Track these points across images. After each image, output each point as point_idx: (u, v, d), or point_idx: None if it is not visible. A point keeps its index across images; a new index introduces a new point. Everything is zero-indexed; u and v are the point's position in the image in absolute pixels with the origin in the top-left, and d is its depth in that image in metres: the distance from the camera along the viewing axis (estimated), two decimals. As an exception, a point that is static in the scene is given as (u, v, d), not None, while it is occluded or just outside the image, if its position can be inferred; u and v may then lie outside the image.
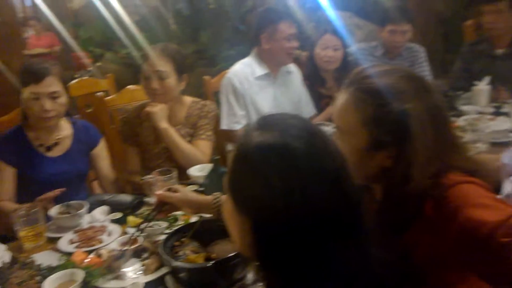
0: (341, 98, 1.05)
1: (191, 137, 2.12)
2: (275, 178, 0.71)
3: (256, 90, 2.44)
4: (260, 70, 2.46)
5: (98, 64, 6.37)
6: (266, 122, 0.79)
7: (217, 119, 2.32)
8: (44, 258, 1.45)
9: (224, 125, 2.40)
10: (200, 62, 5.81)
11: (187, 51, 5.58)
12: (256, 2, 5.43)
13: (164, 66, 2.02)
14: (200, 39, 6.35)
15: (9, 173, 1.90)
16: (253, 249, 0.76)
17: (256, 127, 0.78)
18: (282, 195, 0.71)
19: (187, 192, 1.45)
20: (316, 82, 2.74)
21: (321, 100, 2.71)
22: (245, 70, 2.45)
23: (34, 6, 9.32)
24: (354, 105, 1.00)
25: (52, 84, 1.85)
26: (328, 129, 2.23)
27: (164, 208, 1.44)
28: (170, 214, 1.52)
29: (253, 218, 0.75)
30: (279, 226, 0.72)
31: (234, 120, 2.39)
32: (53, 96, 1.86)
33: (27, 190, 1.84)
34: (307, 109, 2.64)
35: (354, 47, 2.91)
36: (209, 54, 6.01)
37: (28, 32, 7.37)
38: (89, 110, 2.87)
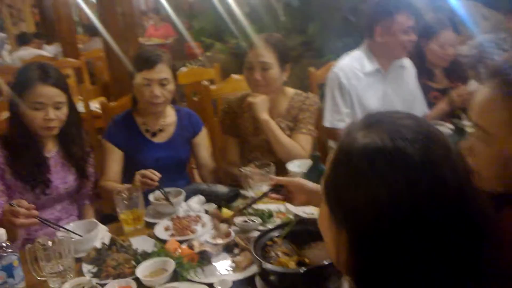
0: (482, 93, 0.88)
1: (291, 130, 2.04)
2: (381, 188, 0.60)
3: (364, 87, 2.25)
4: (370, 65, 2.26)
5: (208, 54, 6.59)
6: (374, 121, 0.67)
7: (319, 113, 2.21)
8: (140, 243, 1.48)
9: (326, 122, 2.26)
10: (307, 54, 5.71)
11: (294, 42, 5.51)
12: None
13: (267, 57, 1.96)
14: (308, 31, 6.23)
15: (117, 155, 1.98)
16: (348, 263, 0.65)
17: (361, 126, 0.66)
18: (388, 209, 0.59)
19: (302, 179, 1.39)
20: (422, 74, 2.48)
21: (428, 94, 2.46)
22: (353, 65, 2.26)
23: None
24: (501, 101, 0.84)
25: (162, 71, 1.89)
26: (445, 130, 2.00)
27: (278, 190, 1.39)
28: (278, 199, 1.44)
29: (351, 232, 0.64)
30: (381, 245, 0.61)
31: (338, 117, 2.23)
32: (162, 83, 1.90)
33: (131, 174, 1.91)
34: (420, 107, 2.40)
35: (479, 39, 2.59)
36: (317, 46, 5.88)
37: (148, 22, 7.87)
38: (195, 98, 2.93)
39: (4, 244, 1.20)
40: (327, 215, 0.68)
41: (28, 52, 5.31)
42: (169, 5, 8.21)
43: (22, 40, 5.93)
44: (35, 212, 1.45)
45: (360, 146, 0.63)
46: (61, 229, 1.49)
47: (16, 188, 1.69)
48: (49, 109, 1.65)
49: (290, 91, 2.11)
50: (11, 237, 1.59)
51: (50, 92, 1.65)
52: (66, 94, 1.71)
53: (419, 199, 0.59)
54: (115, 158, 1.97)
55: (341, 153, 0.67)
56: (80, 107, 3.42)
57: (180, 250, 1.38)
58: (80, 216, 1.89)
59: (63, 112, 1.71)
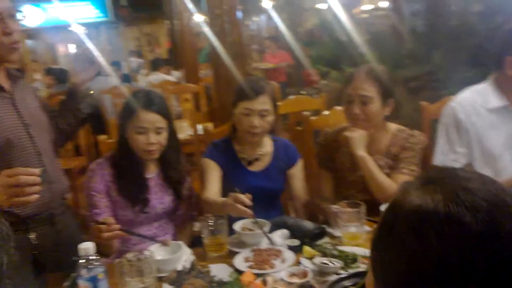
0: None
1: (391, 169, 1.91)
2: (427, 262, 0.51)
3: (486, 125, 1.97)
4: (496, 101, 1.96)
5: (323, 81, 6.58)
6: (433, 179, 0.58)
7: (425, 153, 2.03)
8: (219, 271, 1.49)
9: (437, 161, 2.03)
10: (429, 85, 5.39)
11: (417, 72, 5.24)
12: (509, 18, 4.70)
13: (368, 90, 1.87)
14: (433, 59, 5.88)
15: (217, 173, 2.01)
16: None
17: (418, 184, 0.58)
18: (433, 285, 0.50)
19: None
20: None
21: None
22: (475, 99, 1.99)
23: (274, 26, 10.27)
24: None
25: (264, 102, 1.92)
26: None
27: None
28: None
29: None
30: None
31: (452, 157, 1.99)
32: (262, 114, 1.92)
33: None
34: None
35: None
36: (441, 76, 5.51)
37: (266, 49, 8.15)
38: (299, 128, 2.92)
39: (92, 257, 1.29)
40: (372, 282, 0.60)
41: (157, 77, 5.84)
42: (288, 32, 8.43)
43: (155, 65, 6.54)
44: (116, 226, 1.56)
45: (409, 208, 0.55)
46: (150, 241, 1.60)
47: (120, 205, 1.83)
48: (150, 134, 1.77)
49: (393, 127, 1.99)
50: (106, 251, 1.72)
51: (152, 118, 1.77)
52: (167, 121, 1.82)
53: (473, 280, 0.49)
54: (216, 176, 2.00)
55: (389, 213, 0.59)
56: (190, 130, 3.68)
57: (253, 284, 1.35)
58: (175, 236, 1.98)
59: (163, 137, 1.82)
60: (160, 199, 1.90)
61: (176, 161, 1.94)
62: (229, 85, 2.73)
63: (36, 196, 1.28)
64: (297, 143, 3.18)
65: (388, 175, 1.88)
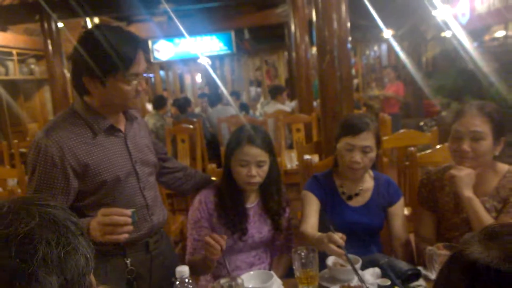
0: None
1: (498, 213, 1.76)
2: None
3: None
4: None
5: (444, 113, 6.23)
6: (495, 233, 0.57)
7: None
8: (306, 304, 1.51)
9: None
10: None
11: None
12: None
13: (480, 126, 1.76)
14: None
15: (316, 206, 2.02)
16: None
17: (481, 237, 0.57)
18: None
19: None
20: None
21: None
22: None
23: (394, 55, 10.02)
24: None
25: (367, 139, 1.92)
26: None
27: None
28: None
29: None
30: None
31: None
32: (364, 150, 1.92)
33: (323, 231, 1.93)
34: None
35: None
36: None
37: (384, 80, 7.98)
38: (407, 163, 2.83)
39: (186, 280, 1.41)
40: None
41: (272, 106, 6.05)
42: (410, 61, 8.16)
43: (272, 94, 6.79)
44: (222, 242, 1.65)
45: (466, 260, 0.55)
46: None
47: (220, 232, 1.94)
48: (252, 167, 1.88)
49: (503, 167, 1.84)
50: (204, 270, 1.85)
51: (255, 152, 1.88)
52: (268, 154, 1.91)
53: None
54: (314, 209, 2.02)
55: (449, 262, 0.59)
56: (295, 161, 3.73)
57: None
58: (271, 265, 2.04)
59: (264, 170, 1.91)
60: (258, 228, 1.99)
61: (276, 192, 2.01)
62: (335, 118, 2.76)
63: (126, 235, 1.40)
64: (402, 179, 3.07)
65: (495, 219, 1.74)
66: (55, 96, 5.69)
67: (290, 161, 4.28)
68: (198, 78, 13.08)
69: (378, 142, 1.98)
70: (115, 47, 1.46)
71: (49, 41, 5.49)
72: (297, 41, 5.82)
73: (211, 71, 10.82)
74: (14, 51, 7.15)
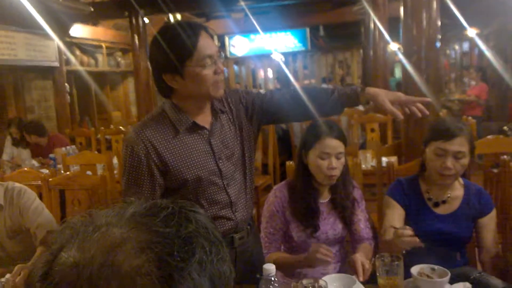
0: None
1: None
2: None
3: None
4: None
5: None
6: None
7: None
8: (391, 312, 1.48)
9: None
10: None
11: None
12: None
13: None
14: None
15: (398, 213, 1.98)
16: None
17: None
18: None
19: None
20: None
21: None
22: None
23: (477, 55, 9.47)
24: None
25: (460, 144, 1.85)
26: None
27: None
28: None
29: None
30: None
31: None
32: (457, 156, 1.85)
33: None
34: None
35: None
36: None
37: (466, 80, 7.58)
38: (494, 170, 2.67)
39: (272, 278, 1.43)
40: None
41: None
42: (496, 61, 7.67)
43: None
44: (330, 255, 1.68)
45: None
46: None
47: (292, 227, 1.96)
48: (332, 159, 1.88)
49: None
50: (286, 270, 1.87)
51: (335, 144, 1.88)
52: (344, 146, 1.92)
53: None
54: (395, 215, 1.98)
55: None
56: (372, 161, 3.65)
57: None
58: (345, 264, 2.01)
59: (342, 162, 1.92)
60: (332, 225, 1.97)
61: (347, 188, 2.00)
62: (420, 120, 2.67)
63: None
64: (491, 187, 2.91)
65: None
66: (139, 87, 6.00)
67: (365, 161, 4.20)
68: (270, 74, 13.17)
69: (472, 148, 1.89)
70: (178, 35, 1.49)
71: (135, 36, 5.79)
72: (375, 39, 5.68)
73: (284, 67, 10.84)
74: (103, 45, 7.64)
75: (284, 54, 9.95)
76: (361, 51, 9.08)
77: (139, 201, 0.58)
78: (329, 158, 1.88)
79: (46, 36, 5.80)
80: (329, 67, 12.15)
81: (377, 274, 1.65)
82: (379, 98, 1.60)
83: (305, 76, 12.33)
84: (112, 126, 6.12)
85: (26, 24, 5.36)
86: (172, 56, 1.49)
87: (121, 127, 5.70)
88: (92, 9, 5.78)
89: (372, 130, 4.74)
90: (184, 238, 0.52)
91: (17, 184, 2.24)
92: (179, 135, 1.58)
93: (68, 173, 3.18)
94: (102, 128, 5.56)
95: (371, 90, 1.64)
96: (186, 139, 1.59)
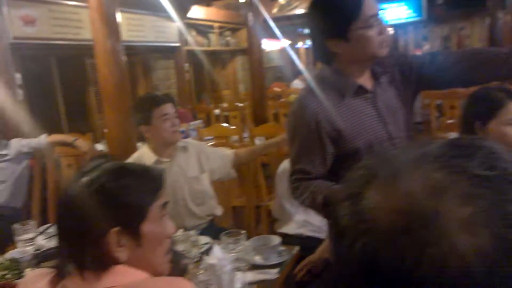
0: None
1: None
2: None
3: None
4: None
5: None
6: None
7: None
8: None
9: None
10: None
11: None
12: None
13: None
14: None
15: None
16: None
17: None
18: None
19: None
20: None
21: None
22: None
23: None
24: None
25: None
26: None
27: None
28: None
29: None
30: None
31: None
32: None
33: None
34: None
35: None
36: None
37: None
38: None
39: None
40: None
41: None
42: None
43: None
44: None
45: None
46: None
47: None
48: None
49: None
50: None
51: None
52: None
53: None
54: None
55: None
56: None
57: None
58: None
59: None
60: None
61: None
62: None
63: None
64: None
65: None
66: (253, 64, 6.11)
67: None
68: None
69: None
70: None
71: (250, 14, 5.88)
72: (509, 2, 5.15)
73: (394, 39, 10.34)
74: (215, 25, 7.92)
75: (395, 26, 9.48)
76: (487, 19, 8.32)
77: (431, 143, 0.50)
78: None
79: (169, 18, 6.16)
80: (443, 40, 11.31)
81: None
82: None
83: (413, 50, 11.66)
84: (225, 105, 6.38)
85: (152, 8, 5.72)
86: (337, 20, 1.46)
87: (238, 103, 5.93)
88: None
89: None
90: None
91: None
92: (345, 100, 1.54)
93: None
94: (220, 104, 5.82)
95: None
96: (353, 104, 1.54)
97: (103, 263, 0.84)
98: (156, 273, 0.90)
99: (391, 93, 1.63)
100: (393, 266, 0.43)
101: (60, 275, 0.87)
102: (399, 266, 0.42)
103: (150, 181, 0.92)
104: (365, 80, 1.59)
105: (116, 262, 0.85)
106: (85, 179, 0.87)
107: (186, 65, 6.87)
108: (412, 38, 11.31)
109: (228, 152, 2.50)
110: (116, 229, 0.85)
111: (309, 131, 1.51)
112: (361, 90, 1.56)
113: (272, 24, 6.01)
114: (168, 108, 2.28)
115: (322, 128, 1.50)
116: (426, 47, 10.56)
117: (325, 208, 1.44)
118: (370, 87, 1.59)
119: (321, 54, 1.57)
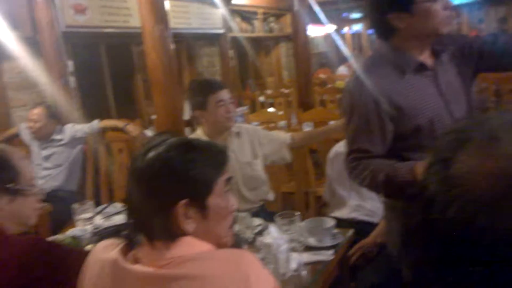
0: None
1: None
2: None
3: None
4: None
5: None
6: None
7: None
8: None
9: None
10: None
11: None
12: None
13: None
14: None
15: None
16: None
17: None
18: None
19: None
20: None
21: None
22: None
23: None
24: None
25: None
26: None
27: None
28: None
29: None
30: None
31: None
32: None
33: None
34: None
35: None
36: None
37: None
38: None
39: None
40: None
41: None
42: None
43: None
44: None
45: None
46: None
47: None
48: None
49: None
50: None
51: None
52: None
53: None
54: None
55: None
56: None
57: None
58: None
59: None
60: None
61: None
62: None
63: None
64: None
65: None
66: (298, 50, 6.04)
67: None
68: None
69: None
70: None
71: (295, -2, 5.79)
72: None
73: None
74: (259, 11, 7.89)
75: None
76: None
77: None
78: None
79: (213, 4, 6.17)
80: (499, 22, 10.74)
81: None
82: None
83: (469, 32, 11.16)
84: (269, 92, 6.35)
85: (197, -6, 5.76)
86: None
87: (283, 90, 5.90)
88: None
89: None
90: None
91: None
92: (405, 77, 1.49)
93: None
94: (264, 91, 5.80)
95: None
96: (413, 81, 1.50)
97: (171, 234, 0.87)
98: (220, 246, 0.93)
99: (452, 72, 1.58)
100: (492, 230, 0.42)
101: (130, 245, 0.91)
102: (499, 230, 0.41)
103: (215, 155, 0.95)
104: (426, 58, 1.54)
105: (183, 233, 0.88)
106: (152, 153, 0.89)
107: (231, 52, 6.87)
108: (466, 20, 10.82)
109: (284, 136, 2.48)
110: (184, 201, 0.87)
111: (367, 109, 1.48)
112: (421, 67, 1.52)
113: (317, 9, 5.91)
114: (224, 94, 2.29)
115: (381, 106, 1.46)
116: (482, 29, 10.10)
117: (387, 186, 1.40)
118: (431, 65, 1.54)
119: (380, 29, 1.53)
